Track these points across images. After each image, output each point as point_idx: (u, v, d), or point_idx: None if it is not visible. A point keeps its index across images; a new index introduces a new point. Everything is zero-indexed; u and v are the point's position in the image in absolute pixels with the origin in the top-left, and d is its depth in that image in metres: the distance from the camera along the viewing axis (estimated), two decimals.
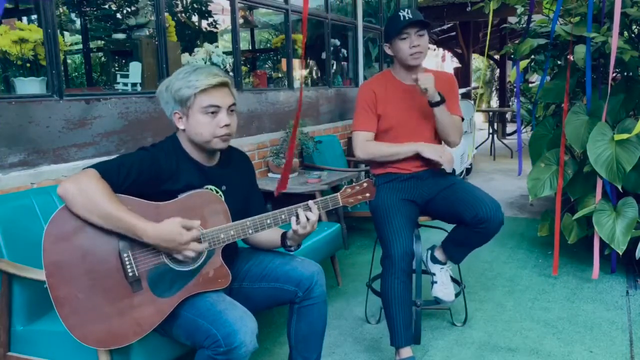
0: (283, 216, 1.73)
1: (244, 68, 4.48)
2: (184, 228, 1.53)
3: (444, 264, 2.44)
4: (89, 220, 1.47)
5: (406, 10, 2.29)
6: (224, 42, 6.18)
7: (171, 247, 1.52)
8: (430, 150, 2.29)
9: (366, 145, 2.36)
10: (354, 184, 1.84)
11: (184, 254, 1.55)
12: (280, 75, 4.82)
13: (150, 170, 1.60)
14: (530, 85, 4.95)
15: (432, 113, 2.31)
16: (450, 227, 2.38)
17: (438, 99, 2.26)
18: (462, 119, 2.46)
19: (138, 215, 1.50)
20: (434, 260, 2.45)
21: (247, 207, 1.81)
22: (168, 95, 1.67)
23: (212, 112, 1.65)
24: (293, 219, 1.73)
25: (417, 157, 2.37)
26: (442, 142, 2.46)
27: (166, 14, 3.11)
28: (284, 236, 1.85)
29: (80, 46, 4.79)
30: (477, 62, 16.56)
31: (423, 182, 2.38)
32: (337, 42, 5.24)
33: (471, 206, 2.18)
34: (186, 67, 1.69)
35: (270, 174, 3.75)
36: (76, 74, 5.68)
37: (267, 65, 5.78)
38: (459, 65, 11.82)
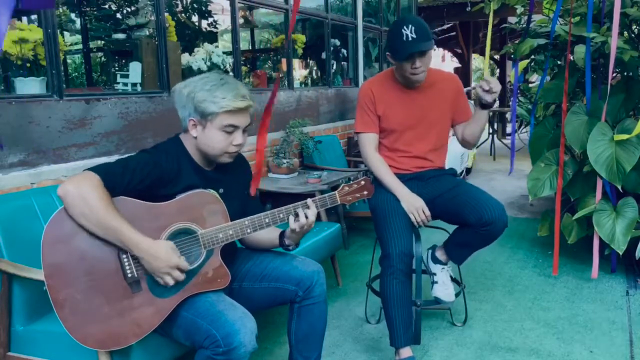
0: (281, 215, 1.73)
1: (244, 68, 4.48)
2: (174, 252, 1.54)
3: (445, 264, 2.44)
4: (84, 227, 1.47)
5: (410, 27, 2.12)
6: (224, 42, 6.19)
7: (156, 266, 1.51)
8: (406, 206, 2.26)
9: (370, 156, 2.36)
10: (351, 182, 1.84)
11: (164, 278, 1.53)
12: (280, 75, 4.82)
13: (153, 174, 1.60)
14: (530, 85, 4.95)
15: (440, 118, 2.35)
16: (451, 227, 2.38)
17: (492, 101, 2.21)
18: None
19: (134, 228, 1.49)
20: (435, 260, 2.45)
21: (244, 210, 1.81)
22: (188, 102, 1.65)
23: (230, 132, 1.66)
24: (291, 217, 1.73)
25: (421, 158, 2.37)
26: (446, 145, 2.47)
27: (166, 14, 3.11)
28: (282, 235, 1.85)
29: (80, 46, 4.80)
30: (477, 62, 16.56)
31: (425, 183, 2.38)
32: (337, 42, 5.24)
33: (475, 209, 2.17)
34: (213, 77, 1.67)
35: (270, 174, 3.75)
36: (76, 74, 5.68)
37: (267, 65, 5.78)
38: (458, 65, 11.82)
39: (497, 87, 2.16)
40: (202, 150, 1.70)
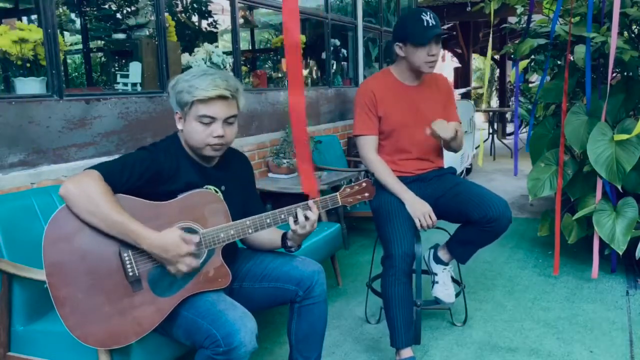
0: (282, 216, 1.73)
1: (244, 68, 4.48)
2: (183, 241, 1.54)
3: (447, 264, 2.43)
4: (90, 223, 1.47)
5: (429, 14, 2.20)
6: (224, 42, 6.18)
7: (167, 258, 1.52)
8: (412, 211, 2.24)
9: (372, 159, 2.34)
10: (352, 183, 1.84)
11: (177, 267, 1.54)
12: (280, 75, 4.82)
13: (152, 171, 1.60)
14: (530, 85, 4.95)
15: (436, 117, 2.29)
16: (451, 227, 2.38)
17: (453, 135, 2.19)
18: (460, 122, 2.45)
19: (139, 222, 1.50)
20: (437, 260, 2.44)
21: (245, 209, 1.81)
22: (172, 95, 1.68)
23: (207, 122, 1.64)
24: (291, 219, 1.73)
25: (421, 159, 2.37)
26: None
27: (166, 14, 3.11)
28: (284, 237, 1.85)
29: (80, 46, 4.80)
30: (477, 62, 16.56)
31: (427, 184, 2.38)
32: (337, 42, 5.24)
33: (480, 206, 2.17)
34: (196, 69, 1.67)
35: (270, 174, 3.75)
36: (76, 74, 5.68)
37: (267, 65, 5.79)
38: (459, 65, 11.82)
39: (444, 133, 2.14)
40: (189, 144, 1.70)
